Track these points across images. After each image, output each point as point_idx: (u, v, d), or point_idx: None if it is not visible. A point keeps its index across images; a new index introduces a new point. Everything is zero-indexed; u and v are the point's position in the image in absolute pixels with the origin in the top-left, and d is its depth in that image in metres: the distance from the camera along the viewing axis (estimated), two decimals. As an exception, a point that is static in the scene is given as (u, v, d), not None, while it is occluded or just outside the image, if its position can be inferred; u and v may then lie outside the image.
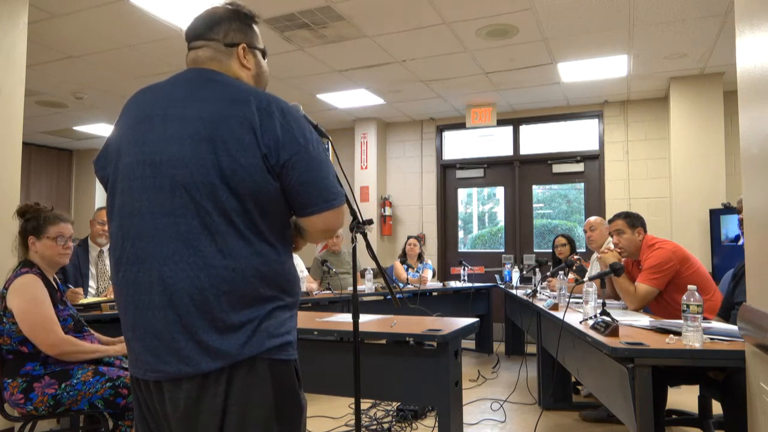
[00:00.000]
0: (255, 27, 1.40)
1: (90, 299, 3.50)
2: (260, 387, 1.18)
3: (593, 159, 6.42)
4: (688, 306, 2.00)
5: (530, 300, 3.93)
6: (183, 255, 1.15)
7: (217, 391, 1.15)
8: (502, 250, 6.85)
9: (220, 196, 1.15)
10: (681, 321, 2.06)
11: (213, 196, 1.15)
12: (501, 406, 3.88)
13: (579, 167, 6.51)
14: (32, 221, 2.43)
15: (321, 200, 1.23)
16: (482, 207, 7.28)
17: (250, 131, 1.17)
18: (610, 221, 3.45)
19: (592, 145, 6.43)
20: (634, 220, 3.29)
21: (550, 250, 5.15)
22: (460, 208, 7.21)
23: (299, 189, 1.21)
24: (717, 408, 2.55)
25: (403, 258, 5.89)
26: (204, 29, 1.33)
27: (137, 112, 1.27)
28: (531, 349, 5.06)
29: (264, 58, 1.42)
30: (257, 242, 1.19)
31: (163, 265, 1.16)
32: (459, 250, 7.11)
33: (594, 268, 4.15)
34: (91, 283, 3.82)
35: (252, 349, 1.16)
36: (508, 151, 6.85)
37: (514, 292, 4.63)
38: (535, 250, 6.68)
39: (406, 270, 5.71)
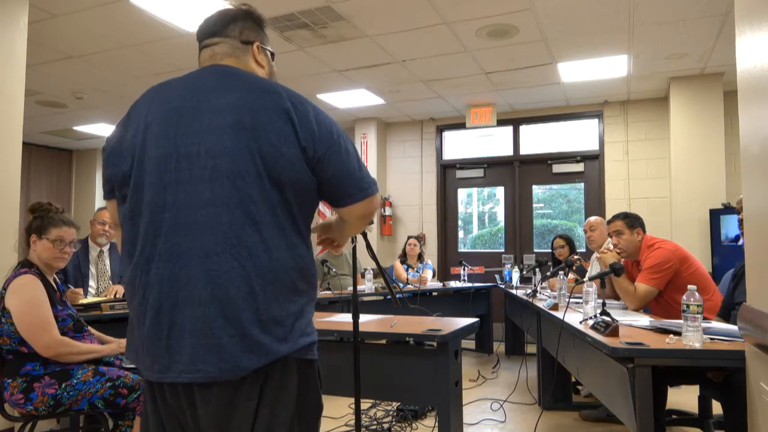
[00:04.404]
0: (265, 30, 1.42)
1: (90, 299, 3.50)
2: (288, 387, 1.17)
3: (593, 159, 6.42)
4: (688, 306, 2.00)
5: (530, 300, 3.93)
6: (226, 246, 1.13)
7: (251, 394, 1.14)
8: (502, 250, 6.85)
9: (264, 186, 1.15)
10: (681, 321, 2.06)
11: (258, 185, 1.15)
12: (501, 406, 3.88)
13: (579, 167, 6.51)
14: (38, 220, 2.43)
15: (357, 190, 1.26)
16: (482, 207, 7.28)
17: (288, 122, 1.18)
18: (608, 222, 3.45)
19: (592, 145, 6.43)
20: (632, 221, 3.29)
21: (550, 251, 5.15)
22: (460, 208, 7.21)
23: (336, 181, 1.23)
24: (717, 408, 2.55)
25: (403, 258, 5.89)
26: (220, 26, 1.35)
27: (162, 105, 1.24)
28: (531, 349, 5.06)
29: (272, 61, 1.44)
30: (293, 235, 1.20)
31: (205, 258, 1.12)
32: (459, 250, 7.11)
33: (594, 268, 4.15)
34: (91, 283, 3.82)
35: (289, 346, 1.16)
36: (508, 151, 6.85)
37: (514, 292, 4.64)
38: (535, 250, 6.68)
39: (406, 270, 5.71)
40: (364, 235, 1.99)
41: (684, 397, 3.43)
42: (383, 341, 2.68)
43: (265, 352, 1.13)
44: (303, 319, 1.20)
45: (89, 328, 2.53)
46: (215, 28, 1.35)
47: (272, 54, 1.43)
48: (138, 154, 1.21)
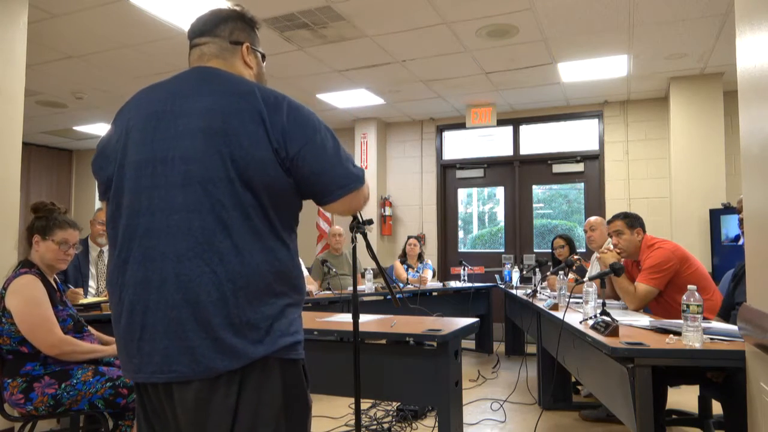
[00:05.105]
0: (257, 31, 1.43)
1: (90, 299, 3.50)
2: (271, 386, 1.18)
3: (593, 159, 6.42)
4: (688, 306, 2.00)
5: (530, 300, 3.93)
6: (198, 251, 1.14)
7: (228, 392, 1.14)
8: (502, 250, 6.85)
9: (236, 190, 1.15)
10: (681, 321, 2.06)
11: (230, 190, 1.15)
12: (501, 406, 3.88)
13: (579, 167, 6.51)
14: (42, 220, 2.41)
15: (335, 187, 1.24)
16: (482, 207, 7.28)
17: (261, 124, 1.17)
18: (608, 222, 3.45)
19: (592, 145, 6.43)
20: (632, 221, 3.29)
21: (550, 251, 5.15)
22: (460, 208, 7.21)
23: (313, 179, 1.22)
24: (717, 408, 2.55)
25: (403, 258, 5.89)
26: (210, 26, 1.35)
27: (143, 110, 1.26)
28: (531, 349, 5.06)
29: (263, 62, 1.44)
30: (270, 238, 1.19)
31: (177, 263, 1.14)
32: (459, 250, 7.11)
33: (594, 268, 4.15)
34: (91, 283, 3.83)
35: (266, 348, 1.16)
36: (508, 151, 6.85)
37: (514, 292, 4.63)
38: (535, 250, 6.68)
39: (406, 270, 5.71)
40: (364, 235, 1.99)
41: (684, 397, 3.43)
42: (383, 341, 2.68)
43: (238, 355, 1.13)
44: (283, 320, 1.20)
45: (89, 328, 2.53)
46: (205, 28, 1.36)
47: (263, 55, 1.44)
48: (119, 159, 1.24)
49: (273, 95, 1.22)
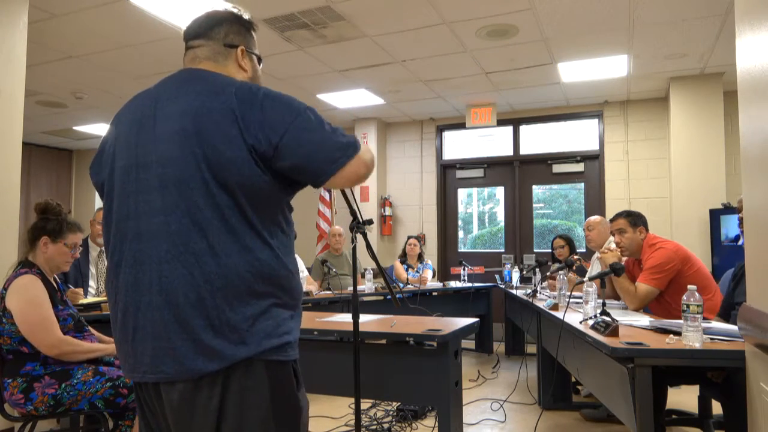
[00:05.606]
0: (253, 34, 1.42)
1: (90, 299, 3.50)
2: (257, 388, 1.17)
3: (593, 159, 6.42)
4: (688, 306, 2.00)
5: (530, 300, 3.93)
6: (175, 254, 1.15)
7: (212, 393, 1.14)
8: (502, 250, 6.85)
9: (211, 191, 1.15)
10: (681, 321, 2.06)
11: (204, 191, 1.15)
12: (501, 406, 3.88)
13: (579, 167, 6.51)
14: (53, 222, 2.42)
15: (328, 164, 1.19)
16: (482, 207, 7.28)
17: (234, 123, 1.15)
18: (611, 220, 3.45)
19: (592, 145, 6.42)
20: (635, 219, 3.29)
21: (550, 251, 5.15)
22: (460, 208, 7.20)
23: (304, 163, 1.18)
24: (717, 408, 2.55)
25: (403, 258, 5.89)
26: (205, 28, 1.35)
27: (130, 115, 1.29)
28: (531, 349, 5.06)
29: (259, 65, 1.43)
30: (250, 238, 1.17)
31: (159, 265, 1.16)
32: (459, 250, 7.11)
33: (594, 268, 4.15)
34: (91, 283, 3.83)
35: (249, 349, 1.15)
36: (508, 151, 6.85)
37: (514, 292, 4.64)
38: (535, 250, 6.68)
39: (406, 270, 5.71)
40: (364, 235, 1.99)
41: (684, 397, 3.43)
42: (383, 341, 2.68)
43: (219, 356, 1.13)
44: (268, 321, 1.18)
45: (90, 328, 2.53)
46: (200, 30, 1.35)
47: (259, 58, 1.42)
48: (110, 164, 1.28)
49: (248, 90, 1.20)
